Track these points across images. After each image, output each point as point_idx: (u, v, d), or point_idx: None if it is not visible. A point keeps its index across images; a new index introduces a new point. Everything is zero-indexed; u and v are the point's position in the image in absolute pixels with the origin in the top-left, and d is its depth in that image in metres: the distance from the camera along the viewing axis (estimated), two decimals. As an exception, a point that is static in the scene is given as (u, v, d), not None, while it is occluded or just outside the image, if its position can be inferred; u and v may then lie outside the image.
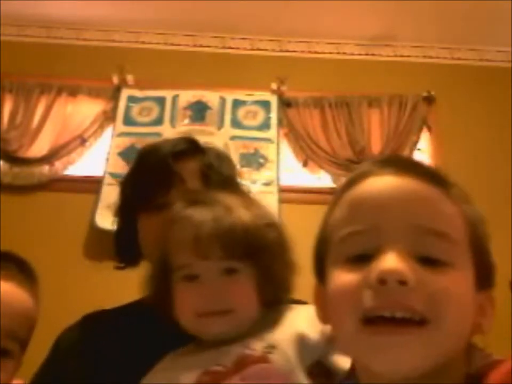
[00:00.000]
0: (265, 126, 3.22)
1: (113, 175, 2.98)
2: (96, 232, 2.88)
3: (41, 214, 3.00)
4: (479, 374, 0.57)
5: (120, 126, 3.18)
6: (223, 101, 3.26)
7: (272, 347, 0.79)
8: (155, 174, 1.06)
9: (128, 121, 3.20)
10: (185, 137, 1.16)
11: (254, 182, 2.98)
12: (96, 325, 1.07)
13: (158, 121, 3.19)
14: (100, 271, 2.72)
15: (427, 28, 3.34)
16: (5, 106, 3.17)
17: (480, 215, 0.63)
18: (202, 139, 1.16)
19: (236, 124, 3.21)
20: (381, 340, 0.54)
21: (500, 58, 3.46)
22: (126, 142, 3.13)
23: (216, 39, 3.46)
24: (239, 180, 1.16)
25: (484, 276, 0.61)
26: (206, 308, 0.83)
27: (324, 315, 0.65)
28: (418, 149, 3.26)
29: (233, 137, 3.15)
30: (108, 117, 3.23)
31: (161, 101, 3.25)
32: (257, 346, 0.80)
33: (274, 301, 0.89)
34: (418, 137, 3.25)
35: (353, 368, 0.67)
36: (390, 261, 0.55)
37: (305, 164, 3.22)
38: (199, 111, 3.22)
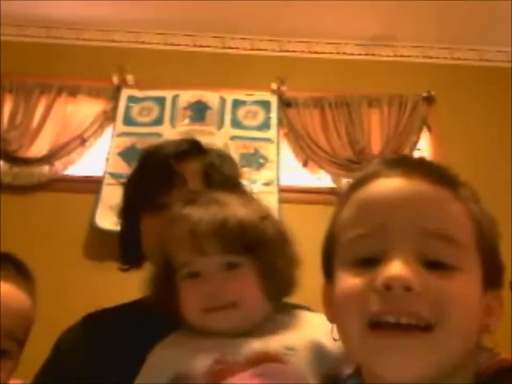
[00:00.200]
0: (265, 126, 3.22)
1: (113, 175, 2.98)
2: (96, 232, 2.88)
3: (41, 214, 3.00)
4: (488, 372, 0.58)
5: (120, 126, 3.18)
6: (223, 101, 3.26)
7: (289, 349, 0.79)
8: (157, 175, 1.07)
9: (128, 121, 3.20)
10: (187, 138, 1.16)
11: (254, 182, 2.97)
12: (97, 325, 1.07)
13: (158, 121, 3.19)
14: (100, 271, 2.73)
15: (427, 28, 3.34)
16: (5, 106, 3.17)
17: (489, 214, 0.63)
18: (202, 139, 1.17)
19: (235, 124, 3.21)
20: (386, 343, 0.55)
21: (499, 58, 3.46)
22: (126, 142, 3.13)
23: (216, 39, 3.46)
24: (241, 180, 1.17)
25: (493, 275, 0.61)
26: (209, 303, 0.84)
27: (332, 315, 0.66)
28: (418, 149, 3.26)
29: (233, 137, 3.15)
30: (108, 117, 3.23)
31: (161, 101, 3.25)
32: (274, 345, 0.80)
33: (279, 295, 0.89)
34: (418, 137, 3.25)
35: (358, 367, 0.67)
36: (396, 267, 0.55)
37: (305, 164, 3.22)
38: (199, 111, 3.22)
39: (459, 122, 3.31)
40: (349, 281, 0.58)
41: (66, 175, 3.14)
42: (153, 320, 1.03)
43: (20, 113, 3.16)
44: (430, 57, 3.48)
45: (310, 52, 3.48)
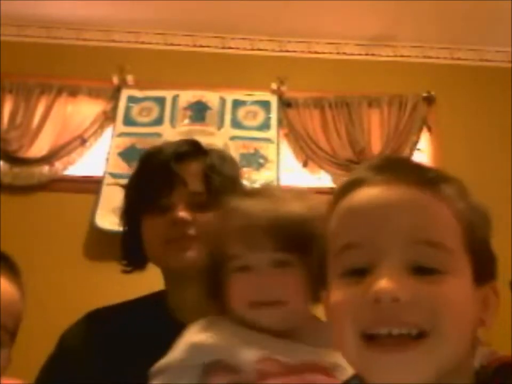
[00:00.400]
0: (265, 126, 3.22)
1: (113, 175, 2.98)
2: (96, 232, 2.88)
3: (41, 214, 3.00)
4: (488, 369, 0.58)
5: (120, 126, 3.18)
6: (223, 101, 3.26)
7: (338, 365, 0.79)
8: (157, 176, 1.07)
9: (128, 121, 3.20)
10: (187, 139, 1.17)
11: (254, 182, 2.97)
12: (100, 323, 1.08)
13: (158, 121, 3.19)
14: (100, 271, 2.73)
15: (427, 27, 3.34)
16: (5, 107, 3.17)
17: (478, 207, 0.63)
18: (202, 139, 1.17)
19: (235, 124, 3.21)
20: (383, 358, 0.55)
21: (499, 58, 3.46)
22: (126, 142, 3.13)
23: (216, 39, 3.46)
24: (242, 180, 1.17)
25: (485, 269, 0.61)
26: (257, 298, 0.83)
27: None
28: (418, 149, 3.26)
29: (233, 138, 3.15)
30: (108, 117, 3.23)
31: (161, 101, 3.25)
32: (324, 358, 0.80)
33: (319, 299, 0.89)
34: (418, 137, 3.26)
35: None
36: (383, 280, 0.55)
37: (305, 164, 3.22)
38: (199, 111, 3.22)
39: (459, 122, 3.31)
40: (340, 293, 0.59)
41: (66, 175, 3.14)
42: (156, 317, 1.03)
43: (20, 113, 3.16)
44: (430, 57, 3.49)
45: (310, 52, 3.48)
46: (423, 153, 3.28)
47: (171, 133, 3.05)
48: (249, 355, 0.79)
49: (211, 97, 3.26)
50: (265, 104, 3.27)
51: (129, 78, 3.28)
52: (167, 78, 3.32)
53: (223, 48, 3.46)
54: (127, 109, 3.23)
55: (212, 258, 0.88)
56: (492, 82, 3.38)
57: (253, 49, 3.46)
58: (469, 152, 3.22)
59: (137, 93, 3.27)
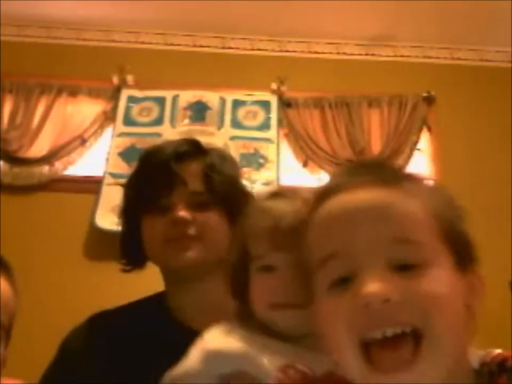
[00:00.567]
0: (265, 126, 3.22)
1: (113, 175, 2.98)
2: (96, 232, 2.88)
3: (41, 214, 3.00)
4: (490, 367, 0.59)
5: (120, 126, 3.19)
6: (223, 101, 3.26)
7: None
8: (157, 176, 1.07)
9: (128, 121, 3.20)
10: (187, 139, 1.16)
11: (254, 182, 2.97)
12: (103, 326, 1.08)
13: (158, 121, 3.19)
14: (100, 271, 2.73)
15: (427, 27, 3.34)
16: (5, 107, 3.18)
17: (446, 199, 0.64)
18: (202, 139, 1.16)
19: (235, 124, 3.21)
20: (389, 381, 0.55)
21: (499, 58, 3.47)
22: (126, 142, 3.13)
23: (216, 39, 3.46)
24: (242, 180, 1.17)
25: (464, 255, 0.62)
26: (279, 299, 0.82)
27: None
28: (418, 149, 3.26)
29: (233, 138, 3.15)
30: (108, 117, 3.23)
31: (161, 101, 3.25)
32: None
33: None
34: (418, 137, 3.26)
35: None
36: (370, 285, 0.56)
37: (305, 164, 3.22)
38: (199, 111, 3.22)
39: (459, 122, 3.31)
40: (330, 303, 0.59)
41: (66, 175, 3.14)
42: (156, 318, 1.03)
43: (20, 113, 3.17)
44: (430, 57, 3.49)
45: (310, 52, 3.48)
46: (423, 153, 3.28)
47: (171, 133, 3.05)
48: (271, 363, 0.77)
49: (211, 97, 3.26)
50: (265, 104, 3.28)
51: (129, 78, 3.28)
52: (167, 78, 3.32)
53: (223, 48, 3.46)
54: (127, 109, 3.23)
55: (237, 258, 0.88)
56: (492, 82, 3.38)
57: (253, 49, 3.46)
58: (469, 152, 3.22)
59: (137, 93, 3.27)
